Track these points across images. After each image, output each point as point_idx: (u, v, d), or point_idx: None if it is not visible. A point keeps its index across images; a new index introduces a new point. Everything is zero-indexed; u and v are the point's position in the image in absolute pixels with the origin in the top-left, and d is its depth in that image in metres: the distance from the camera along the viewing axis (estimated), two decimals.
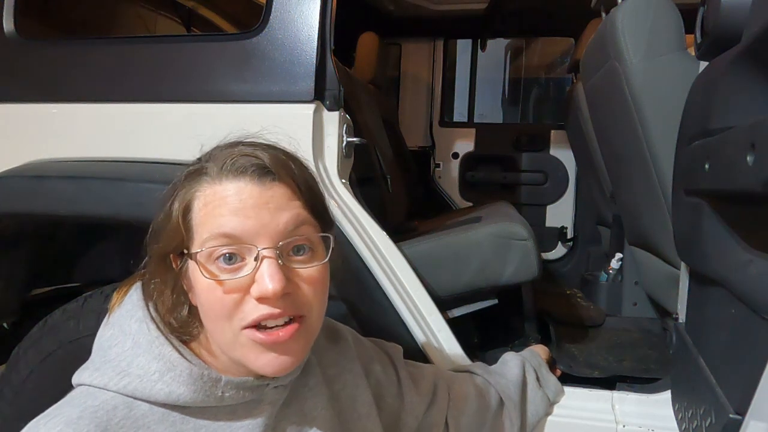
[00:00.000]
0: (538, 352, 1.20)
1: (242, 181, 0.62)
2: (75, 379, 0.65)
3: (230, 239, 0.60)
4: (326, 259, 0.67)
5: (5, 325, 1.46)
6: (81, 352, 1.14)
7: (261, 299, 0.60)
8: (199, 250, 0.61)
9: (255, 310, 0.61)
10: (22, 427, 0.58)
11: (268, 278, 0.59)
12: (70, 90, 1.33)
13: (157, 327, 0.65)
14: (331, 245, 0.67)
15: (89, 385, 0.62)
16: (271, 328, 0.62)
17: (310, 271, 0.64)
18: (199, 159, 0.67)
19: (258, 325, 0.62)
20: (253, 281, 0.61)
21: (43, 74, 1.36)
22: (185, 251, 0.63)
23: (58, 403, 0.61)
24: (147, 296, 0.68)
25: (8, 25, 1.36)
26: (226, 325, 0.62)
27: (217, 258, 0.61)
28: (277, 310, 0.61)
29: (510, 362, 1.12)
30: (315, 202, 0.68)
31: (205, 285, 0.61)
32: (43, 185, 1.21)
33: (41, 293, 1.51)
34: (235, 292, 0.61)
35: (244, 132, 0.70)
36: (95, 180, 1.19)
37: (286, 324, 0.63)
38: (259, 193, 0.62)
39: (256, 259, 0.60)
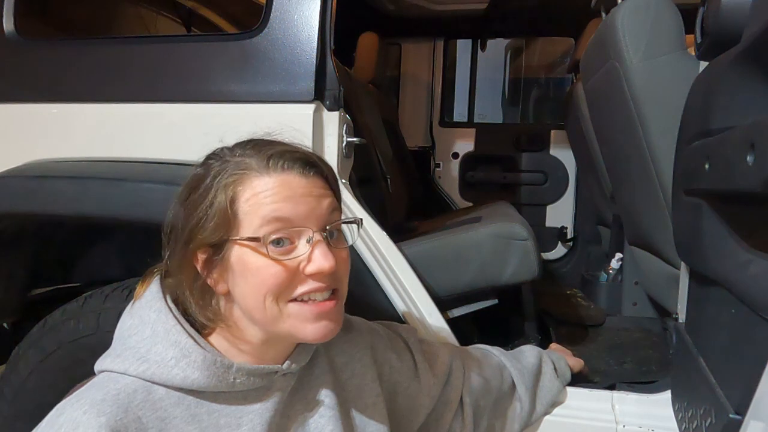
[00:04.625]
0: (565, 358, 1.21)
1: (290, 173, 0.70)
2: (97, 366, 0.69)
3: (283, 223, 0.67)
4: (354, 242, 0.77)
5: (5, 325, 1.46)
6: (81, 352, 1.15)
7: (314, 275, 0.68)
8: (257, 235, 0.67)
9: (306, 285, 0.69)
10: (22, 427, 0.59)
11: (323, 258, 0.68)
12: (70, 90, 1.33)
13: (174, 316, 0.70)
14: (359, 229, 0.80)
15: (111, 371, 0.67)
16: (317, 300, 0.70)
17: (343, 251, 0.74)
18: (219, 156, 0.72)
19: (302, 299, 0.69)
20: (307, 260, 0.68)
21: (43, 74, 1.36)
22: (228, 239, 0.68)
23: (83, 387, 0.66)
24: (165, 288, 0.73)
25: (8, 25, 1.36)
26: (272, 301, 0.68)
27: (269, 242, 0.67)
28: (324, 284, 0.70)
29: (527, 351, 1.14)
30: (339, 193, 0.77)
31: (259, 264, 0.67)
32: (43, 185, 1.22)
33: (41, 293, 1.51)
34: (291, 269, 0.68)
35: (266, 132, 0.76)
36: (95, 180, 1.19)
37: (331, 296, 0.71)
38: (305, 183, 0.70)
39: (308, 241, 0.69)
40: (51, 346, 1.19)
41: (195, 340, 0.69)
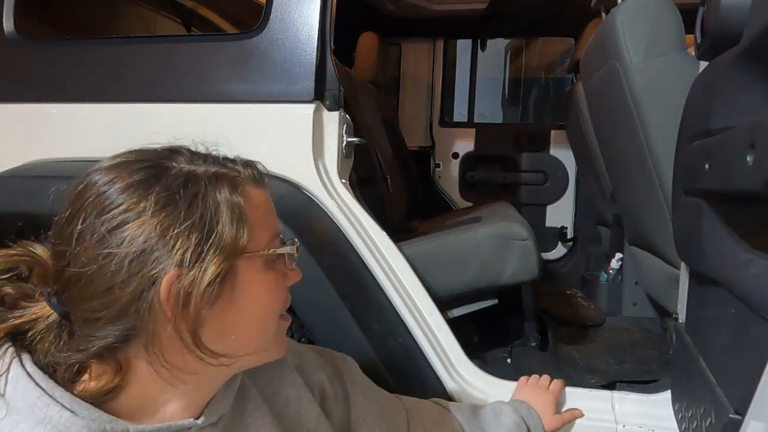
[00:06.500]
0: (546, 397, 1.10)
1: (263, 188, 0.64)
2: None
3: (277, 237, 0.63)
4: None
5: None
6: None
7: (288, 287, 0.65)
8: (268, 249, 0.60)
9: (288, 298, 0.65)
10: None
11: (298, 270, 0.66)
12: (70, 90, 1.33)
13: (37, 385, 0.53)
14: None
15: None
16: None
17: None
18: (190, 168, 0.60)
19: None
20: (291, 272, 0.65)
21: (43, 74, 1.36)
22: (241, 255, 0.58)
23: None
24: (19, 348, 0.55)
25: (8, 25, 1.36)
26: (273, 319, 0.63)
27: (280, 256, 0.63)
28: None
29: (504, 418, 1.01)
30: None
31: (268, 284, 0.61)
32: (43, 185, 1.21)
33: None
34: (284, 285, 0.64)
35: (199, 138, 0.67)
36: None
37: None
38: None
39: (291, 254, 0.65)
40: None
41: (71, 411, 0.52)
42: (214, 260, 0.54)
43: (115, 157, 0.60)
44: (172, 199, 0.54)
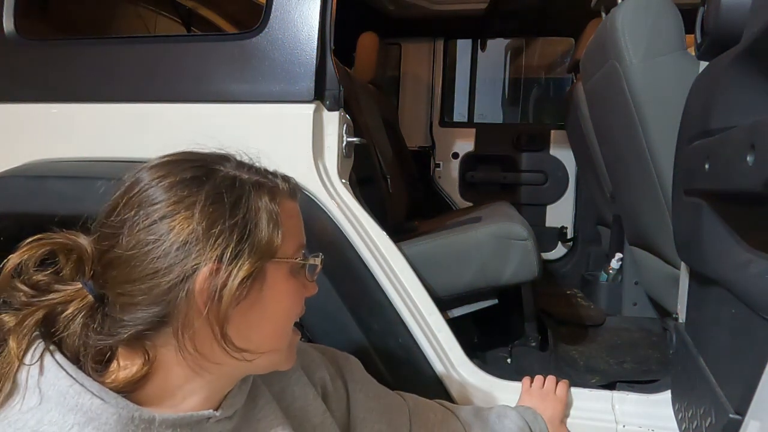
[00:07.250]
0: (555, 405, 1.10)
1: (296, 202, 0.68)
2: None
3: (303, 251, 0.66)
4: None
5: None
6: None
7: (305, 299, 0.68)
8: (296, 257, 0.64)
9: (304, 309, 0.68)
10: None
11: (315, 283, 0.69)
12: (70, 90, 1.33)
13: (68, 374, 0.54)
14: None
15: None
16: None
17: None
18: (237, 173, 0.63)
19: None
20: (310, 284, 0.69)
21: (43, 74, 1.36)
22: (271, 259, 0.61)
23: None
24: (48, 338, 0.57)
25: (8, 25, 1.36)
26: (290, 325, 0.66)
27: (303, 266, 0.66)
28: None
29: (507, 421, 1.01)
30: None
31: (291, 290, 0.64)
32: (43, 185, 1.21)
33: None
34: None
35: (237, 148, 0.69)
36: (95, 180, 1.19)
37: None
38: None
39: (313, 267, 0.68)
40: None
41: (101, 399, 0.54)
42: (249, 260, 0.57)
43: (163, 156, 0.64)
44: (219, 197, 0.58)
